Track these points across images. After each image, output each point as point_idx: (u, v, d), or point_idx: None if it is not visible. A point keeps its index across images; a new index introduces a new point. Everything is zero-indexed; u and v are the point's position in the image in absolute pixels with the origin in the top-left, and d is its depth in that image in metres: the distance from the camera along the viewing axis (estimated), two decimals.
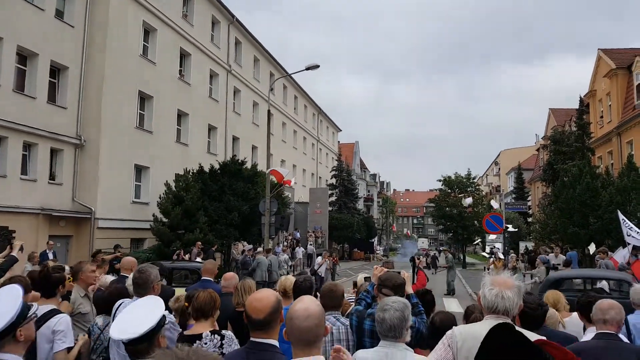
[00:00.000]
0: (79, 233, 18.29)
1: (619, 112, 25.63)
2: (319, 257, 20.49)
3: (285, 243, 29.27)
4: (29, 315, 2.37)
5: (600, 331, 3.41)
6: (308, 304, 2.22)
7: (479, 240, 46.13)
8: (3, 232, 15.41)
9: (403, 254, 58.84)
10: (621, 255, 12.87)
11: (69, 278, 4.29)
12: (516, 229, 20.22)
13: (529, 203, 47.06)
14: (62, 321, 3.62)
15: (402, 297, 3.40)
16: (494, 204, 27.31)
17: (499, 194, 65.34)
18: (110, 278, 6.18)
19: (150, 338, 2.20)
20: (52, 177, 17.62)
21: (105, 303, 4.27)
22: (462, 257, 46.38)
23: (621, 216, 13.34)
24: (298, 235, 33.00)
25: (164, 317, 2.33)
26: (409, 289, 3.79)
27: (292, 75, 38.28)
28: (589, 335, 3.60)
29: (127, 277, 6.00)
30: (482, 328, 2.29)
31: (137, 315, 2.25)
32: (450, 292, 19.35)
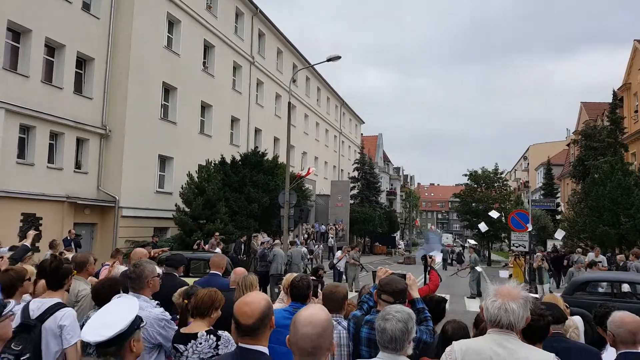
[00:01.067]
0: (103, 221, 18.59)
1: None
2: (339, 252, 20.30)
3: (306, 235, 29.25)
4: (3, 313, 2.30)
5: (626, 351, 3.01)
6: (315, 310, 2.09)
7: (504, 236, 45.40)
8: (30, 219, 15.76)
9: (426, 249, 58.19)
10: None
11: (74, 272, 4.24)
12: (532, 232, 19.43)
13: (558, 200, 45.90)
14: (68, 315, 3.56)
15: (403, 305, 3.23)
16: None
17: (527, 190, 64.24)
18: (122, 269, 6.13)
19: (120, 341, 2.10)
20: (77, 166, 17.92)
21: (98, 295, 4.19)
22: (487, 255, 45.62)
23: None
24: (324, 228, 32.92)
25: (138, 320, 2.23)
26: (415, 293, 3.60)
27: (315, 67, 38.20)
28: (610, 354, 3.20)
29: None
30: (483, 343, 2.13)
31: (110, 317, 2.15)
32: (475, 294, 17.50)
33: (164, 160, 21.56)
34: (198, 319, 3.36)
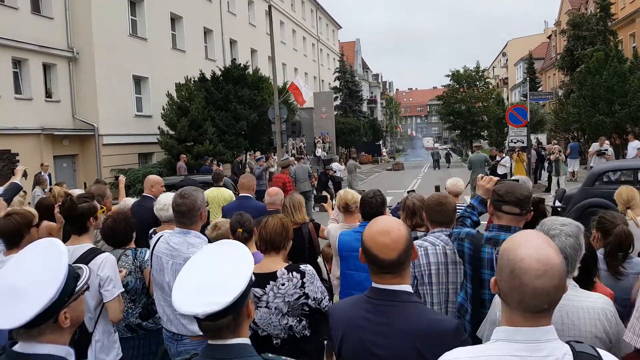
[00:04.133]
0: (84, 151, 17.62)
1: None
2: (334, 164, 19.35)
3: (291, 152, 28.52)
4: (77, 287, 1.61)
5: None
6: (543, 249, 1.34)
7: (486, 134, 45.58)
8: (6, 156, 14.71)
9: (411, 154, 58.63)
10: None
11: (102, 208, 3.52)
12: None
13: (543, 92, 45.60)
14: (108, 263, 2.93)
15: (528, 214, 2.66)
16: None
17: (507, 87, 63.80)
18: (130, 201, 5.41)
19: (237, 308, 1.47)
20: (48, 94, 16.57)
21: (115, 235, 3.53)
22: (469, 153, 45.94)
23: None
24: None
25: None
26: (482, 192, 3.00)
27: None
28: None
29: (152, 198, 5.29)
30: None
31: (214, 274, 1.49)
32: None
33: (138, 81, 20.16)
34: (272, 253, 2.76)
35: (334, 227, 4.21)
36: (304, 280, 2.66)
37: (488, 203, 2.81)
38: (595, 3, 27.96)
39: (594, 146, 15.19)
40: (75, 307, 1.61)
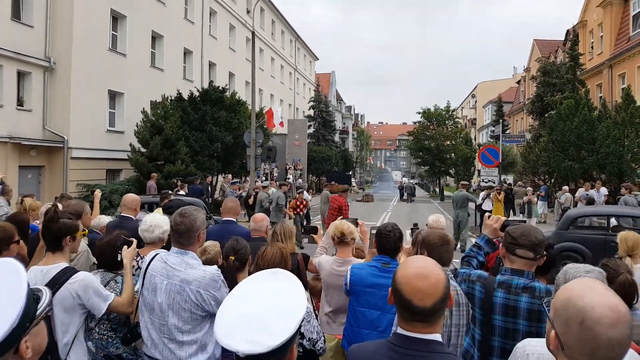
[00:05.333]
0: (51, 163, 16.98)
1: (611, 44, 24.85)
2: (305, 193, 18.81)
3: (264, 178, 28.20)
4: (38, 310, 1.40)
5: None
6: (611, 298, 1.27)
7: (454, 172, 46.60)
8: None
9: (380, 186, 59.22)
10: None
11: (84, 231, 3.27)
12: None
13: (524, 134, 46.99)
14: (85, 282, 2.73)
15: (541, 258, 2.59)
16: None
17: (474, 127, 65.55)
18: (106, 219, 5.16)
19: (281, 352, 1.29)
20: (20, 102, 15.99)
21: (105, 255, 3.35)
22: (438, 190, 46.70)
23: None
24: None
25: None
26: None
27: None
28: None
29: (131, 218, 5.07)
30: None
31: (265, 308, 1.33)
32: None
33: (113, 96, 19.74)
34: None
35: (325, 260, 4.01)
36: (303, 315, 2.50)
37: (500, 245, 2.74)
38: (565, 52, 29.25)
39: (580, 191, 15.59)
40: (37, 333, 1.40)
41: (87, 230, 3.71)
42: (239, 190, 15.13)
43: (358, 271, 3.43)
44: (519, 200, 17.89)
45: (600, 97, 25.52)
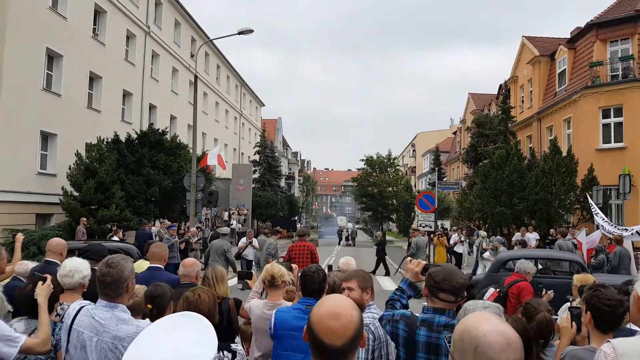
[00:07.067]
0: None
1: (540, 98, 26.66)
2: (244, 238, 16.38)
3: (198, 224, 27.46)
4: None
5: None
6: (501, 325, 1.37)
7: (395, 217, 47.78)
8: None
9: (325, 231, 59.42)
10: (591, 238, 13.13)
11: None
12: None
13: (459, 182, 48.91)
14: None
15: (462, 302, 2.64)
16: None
17: (414, 175, 67.81)
18: (30, 264, 4.83)
19: None
20: None
21: (30, 302, 3.12)
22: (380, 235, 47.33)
23: (590, 201, 13.81)
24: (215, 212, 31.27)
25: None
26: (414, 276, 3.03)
27: (215, 43, 36.32)
28: None
29: (57, 263, 4.73)
30: None
31: (172, 355, 1.22)
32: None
33: (46, 137, 18.90)
34: None
35: (256, 304, 3.93)
36: None
37: (423, 286, 2.75)
38: (497, 106, 31.05)
39: (517, 235, 16.25)
40: None
41: None
42: (185, 234, 14.74)
43: (281, 314, 3.40)
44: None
45: (530, 147, 27.08)
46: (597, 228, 13.60)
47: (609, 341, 2.04)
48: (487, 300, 2.39)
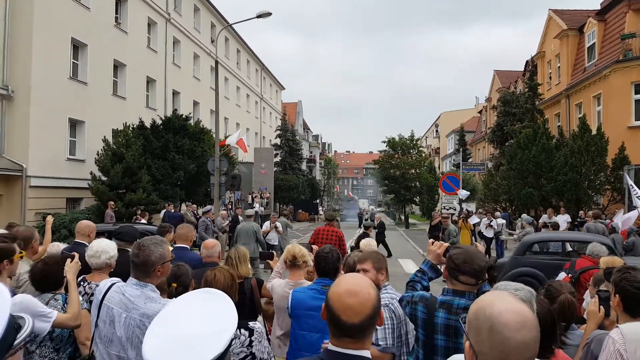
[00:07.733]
0: (9, 192, 16.40)
1: (568, 74, 25.85)
2: (267, 222, 15.71)
3: (226, 207, 27.71)
4: (17, 339, 1.30)
5: None
6: (517, 304, 1.34)
7: (419, 200, 47.33)
8: None
9: (347, 214, 59.45)
10: (627, 217, 12.19)
11: (21, 253, 3.19)
12: (469, 193, 20.17)
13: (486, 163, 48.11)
14: (24, 304, 2.69)
15: (483, 284, 2.64)
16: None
17: (438, 156, 67.00)
18: (61, 246, 5.04)
19: None
20: None
21: (45, 280, 3.27)
22: (403, 218, 47.14)
23: (628, 180, 13.22)
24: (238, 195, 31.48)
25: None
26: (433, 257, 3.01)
27: (234, 28, 36.31)
28: None
29: (85, 244, 4.90)
30: None
31: (193, 328, 1.27)
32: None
33: (74, 125, 19.34)
34: None
35: (278, 283, 4.01)
36: (252, 338, 2.43)
37: (443, 268, 2.76)
38: (524, 83, 30.32)
39: (544, 217, 15.95)
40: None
41: (24, 253, 3.57)
42: (224, 218, 15.15)
43: (298, 294, 3.46)
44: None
45: (559, 126, 26.40)
46: (633, 209, 12.96)
47: (617, 326, 2.01)
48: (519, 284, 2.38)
